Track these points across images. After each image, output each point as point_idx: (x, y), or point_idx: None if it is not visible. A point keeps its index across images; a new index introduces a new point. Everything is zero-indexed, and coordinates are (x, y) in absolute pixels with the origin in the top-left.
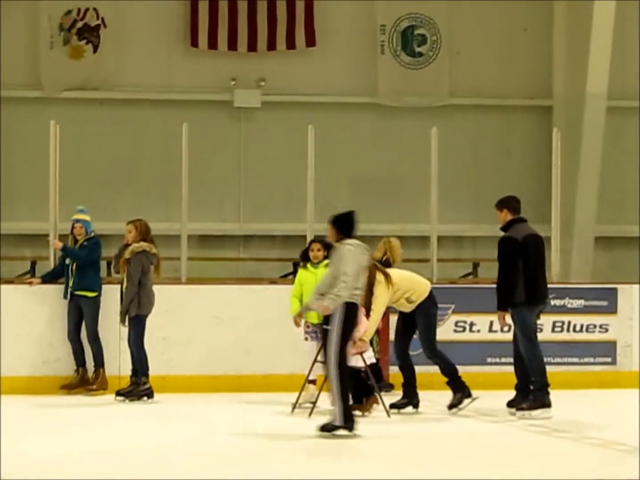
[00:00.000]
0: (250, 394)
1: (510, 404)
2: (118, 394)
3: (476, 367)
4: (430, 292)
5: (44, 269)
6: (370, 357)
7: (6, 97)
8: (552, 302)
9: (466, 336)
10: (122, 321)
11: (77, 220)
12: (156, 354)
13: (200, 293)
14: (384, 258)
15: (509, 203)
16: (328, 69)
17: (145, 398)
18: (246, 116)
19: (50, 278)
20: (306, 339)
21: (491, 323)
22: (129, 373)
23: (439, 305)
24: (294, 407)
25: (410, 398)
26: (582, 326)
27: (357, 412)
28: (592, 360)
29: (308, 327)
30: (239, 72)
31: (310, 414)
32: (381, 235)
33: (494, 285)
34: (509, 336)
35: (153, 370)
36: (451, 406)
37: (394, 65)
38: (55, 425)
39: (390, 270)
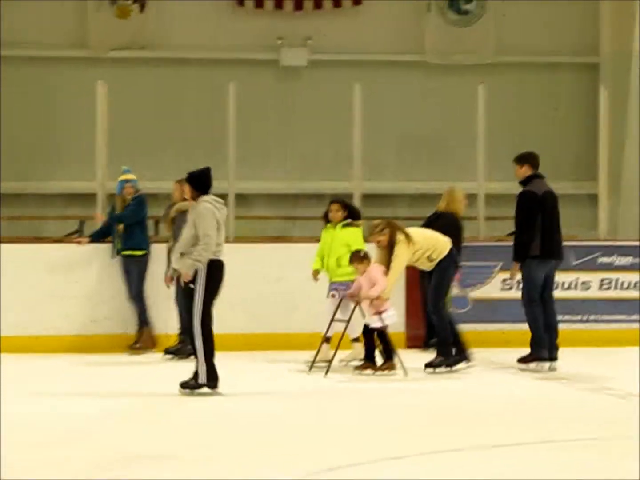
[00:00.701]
0: (296, 352)
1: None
2: (167, 351)
3: (523, 324)
4: (451, 251)
5: (92, 228)
6: (389, 316)
7: (53, 57)
8: (600, 260)
9: (513, 294)
10: (170, 279)
11: (127, 181)
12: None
13: (247, 252)
14: (447, 208)
15: (530, 158)
16: (374, 27)
17: (193, 356)
18: (292, 75)
19: (98, 237)
20: (333, 296)
21: None
22: (177, 331)
23: (488, 264)
24: (311, 366)
25: (446, 356)
26: (629, 283)
27: (367, 371)
28: None
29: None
30: (286, 31)
31: (326, 373)
32: (427, 193)
33: None
34: (557, 294)
35: None
36: (428, 365)
37: (440, 23)
38: (102, 383)
39: (411, 230)
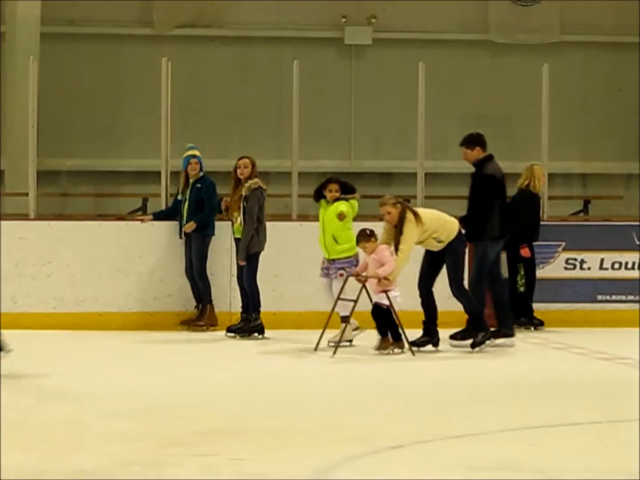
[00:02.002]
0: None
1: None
2: (229, 330)
3: (586, 304)
4: (459, 231)
5: (156, 206)
6: (395, 296)
7: (118, 34)
8: None
9: (576, 273)
10: (242, 258)
11: (194, 156)
12: (267, 291)
13: (311, 230)
14: (527, 185)
15: (480, 140)
16: (439, 5)
17: (256, 334)
18: (357, 53)
19: (162, 216)
20: (342, 275)
21: (602, 260)
22: (240, 309)
23: (551, 243)
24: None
25: (431, 336)
26: None
27: (384, 351)
28: None
29: (323, 263)
30: (350, 10)
31: (334, 352)
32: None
33: (605, 223)
34: (621, 274)
35: (264, 307)
36: (474, 345)
37: (505, 2)
38: (164, 360)
39: (419, 210)
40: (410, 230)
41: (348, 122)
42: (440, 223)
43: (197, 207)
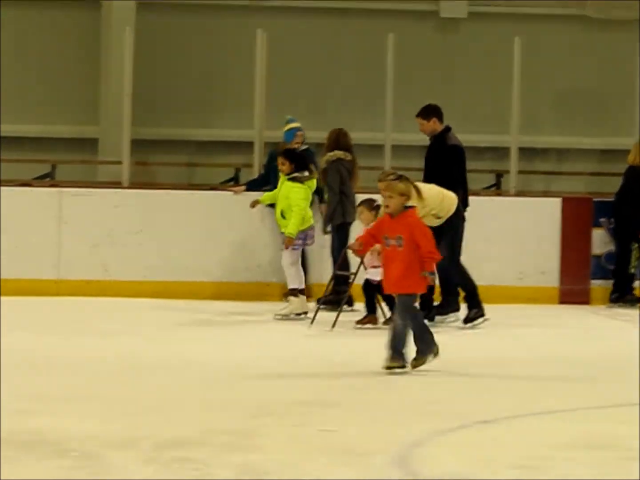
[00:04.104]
0: None
1: None
2: (319, 301)
3: None
4: (458, 207)
5: (248, 176)
6: None
7: (213, 4)
8: None
9: None
10: (325, 229)
11: (298, 129)
12: (357, 262)
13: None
14: (635, 162)
15: (437, 111)
16: None
17: (346, 306)
18: (452, 27)
19: (255, 186)
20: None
21: None
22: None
23: None
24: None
25: (428, 310)
26: None
27: (369, 325)
28: None
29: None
30: None
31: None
32: (584, 147)
33: None
34: None
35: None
36: (467, 320)
37: None
38: (255, 330)
39: (419, 185)
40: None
41: (442, 96)
42: (439, 199)
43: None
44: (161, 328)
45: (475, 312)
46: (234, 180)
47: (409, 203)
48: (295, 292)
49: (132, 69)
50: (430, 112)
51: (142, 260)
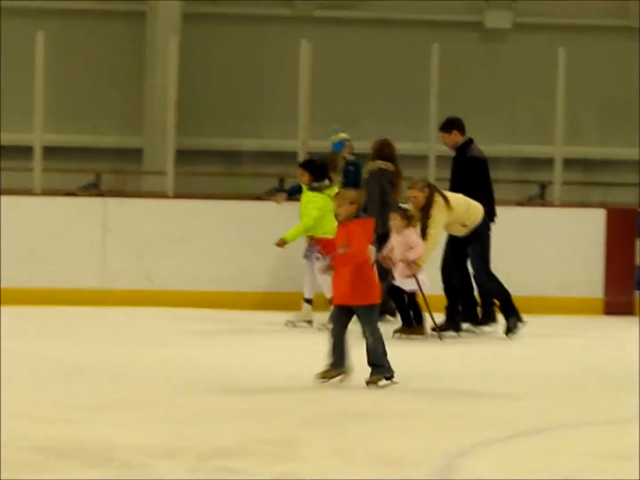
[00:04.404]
0: None
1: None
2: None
3: None
4: (484, 216)
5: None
6: (423, 279)
7: (257, 15)
8: None
9: None
10: None
11: (348, 139)
12: None
13: None
14: None
15: (458, 124)
16: None
17: (388, 315)
18: (496, 38)
19: (295, 192)
20: (318, 259)
21: None
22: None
23: None
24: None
25: (454, 322)
26: None
27: (414, 335)
28: None
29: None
30: None
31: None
32: (628, 159)
33: None
34: None
35: None
36: (508, 331)
37: None
38: (297, 340)
39: (447, 193)
40: (439, 215)
41: (486, 107)
42: (466, 207)
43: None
44: (204, 338)
45: (514, 321)
46: (278, 191)
47: (436, 210)
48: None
49: (177, 78)
50: (451, 125)
51: (186, 270)
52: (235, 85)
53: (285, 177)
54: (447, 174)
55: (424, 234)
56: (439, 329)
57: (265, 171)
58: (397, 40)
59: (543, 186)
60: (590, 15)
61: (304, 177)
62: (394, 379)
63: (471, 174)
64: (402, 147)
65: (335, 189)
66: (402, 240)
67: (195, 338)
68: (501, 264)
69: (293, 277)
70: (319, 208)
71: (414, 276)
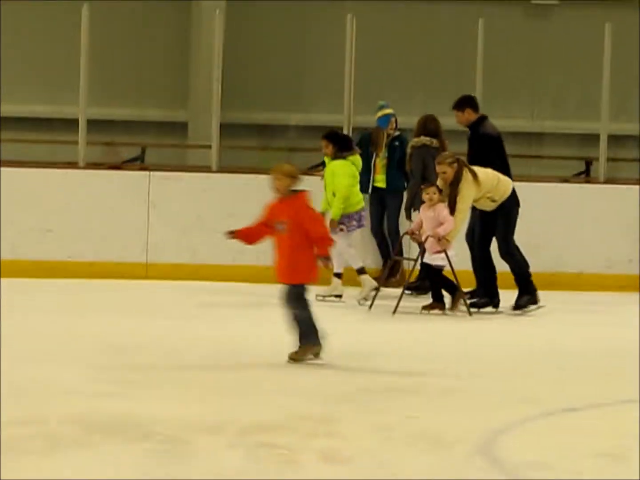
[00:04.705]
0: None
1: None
2: (407, 287)
3: None
4: (513, 191)
5: None
6: (452, 255)
7: None
8: None
9: None
10: (408, 216)
11: (393, 114)
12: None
13: None
14: None
15: (471, 102)
16: None
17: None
18: (543, 13)
19: None
20: (342, 230)
21: None
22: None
23: None
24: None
25: (492, 297)
26: None
27: (436, 311)
28: None
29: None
30: None
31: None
32: None
33: None
34: None
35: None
36: (517, 307)
37: None
38: (336, 314)
39: (475, 168)
40: (468, 190)
41: (532, 82)
42: (494, 182)
43: (400, 165)
44: (247, 311)
45: (528, 300)
46: (323, 165)
47: (465, 185)
48: (363, 271)
49: (222, 53)
50: (463, 103)
51: (231, 245)
52: (280, 60)
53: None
54: None
55: (452, 210)
56: (478, 304)
57: (310, 146)
58: (442, 15)
59: (588, 162)
60: None
61: (327, 149)
62: (320, 357)
63: (485, 151)
64: (448, 122)
65: (358, 157)
66: (434, 216)
67: (238, 312)
68: (546, 241)
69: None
70: (348, 174)
71: (445, 252)
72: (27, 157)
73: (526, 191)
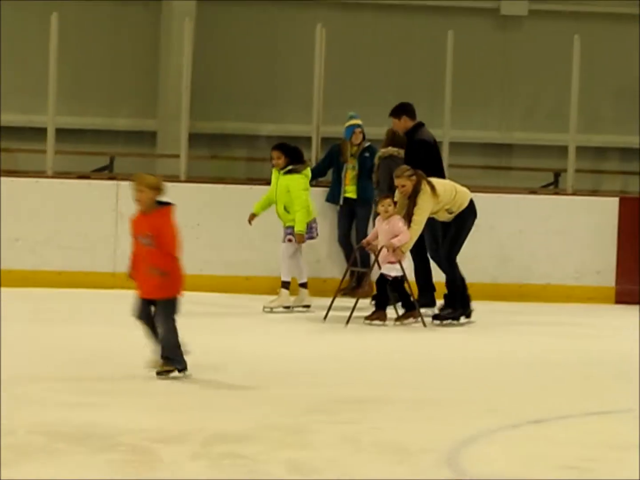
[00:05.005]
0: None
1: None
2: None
3: None
4: (471, 201)
5: None
6: (408, 266)
7: None
8: None
9: None
10: (374, 225)
11: (358, 126)
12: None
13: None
14: None
15: (407, 109)
16: None
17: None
18: (512, 24)
19: (315, 177)
20: (290, 240)
21: None
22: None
23: None
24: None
25: (464, 307)
26: None
27: (377, 322)
28: None
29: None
30: None
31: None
32: None
33: None
34: None
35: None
36: (436, 317)
37: None
38: (308, 326)
39: (434, 180)
40: (426, 203)
41: (501, 94)
42: (452, 194)
43: (371, 175)
44: (214, 322)
45: (449, 313)
46: None
47: (422, 198)
48: (287, 286)
49: (192, 62)
50: (400, 110)
51: (199, 255)
52: (250, 69)
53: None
54: (462, 160)
55: (409, 221)
56: (441, 317)
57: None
58: (412, 26)
59: (557, 174)
60: (606, 3)
61: (280, 160)
62: (186, 372)
63: (420, 156)
64: None
65: (309, 169)
66: (388, 228)
67: (205, 322)
68: (514, 252)
69: (308, 263)
70: (304, 189)
71: (399, 262)
72: None
73: (495, 202)
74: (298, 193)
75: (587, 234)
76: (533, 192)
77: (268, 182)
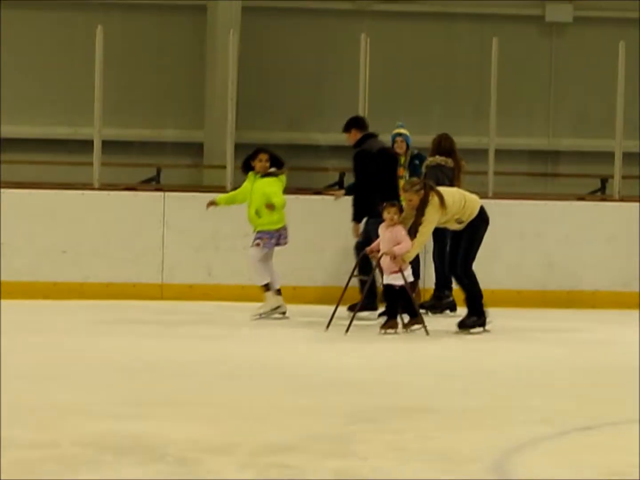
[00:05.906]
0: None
1: None
2: (421, 306)
3: None
4: (481, 209)
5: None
6: (409, 275)
7: (317, 8)
8: None
9: None
10: None
11: (399, 134)
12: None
13: (506, 208)
14: None
15: (355, 122)
16: None
17: (447, 311)
18: (557, 31)
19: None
20: (258, 244)
21: None
22: (433, 286)
23: None
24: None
25: (479, 316)
26: None
27: (391, 330)
28: None
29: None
30: None
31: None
32: None
33: None
34: None
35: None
36: (462, 325)
37: None
38: (354, 334)
39: (442, 190)
40: (433, 215)
41: (547, 100)
42: (461, 204)
43: None
44: (261, 332)
45: (474, 321)
46: (339, 185)
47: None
48: (268, 288)
49: (237, 72)
50: (349, 125)
51: (247, 265)
52: (294, 79)
53: (345, 171)
54: (508, 167)
55: (416, 231)
56: (467, 325)
57: (326, 165)
58: (456, 33)
59: (604, 180)
60: None
61: (267, 164)
62: None
63: (363, 166)
64: (463, 140)
65: (284, 177)
66: (391, 237)
67: (252, 332)
68: (562, 259)
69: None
70: (280, 192)
71: (400, 271)
72: (43, 178)
73: (542, 209)
74: (277, 197)
75: (635, 240)
76: (580, 198)
77: (314, 192)
